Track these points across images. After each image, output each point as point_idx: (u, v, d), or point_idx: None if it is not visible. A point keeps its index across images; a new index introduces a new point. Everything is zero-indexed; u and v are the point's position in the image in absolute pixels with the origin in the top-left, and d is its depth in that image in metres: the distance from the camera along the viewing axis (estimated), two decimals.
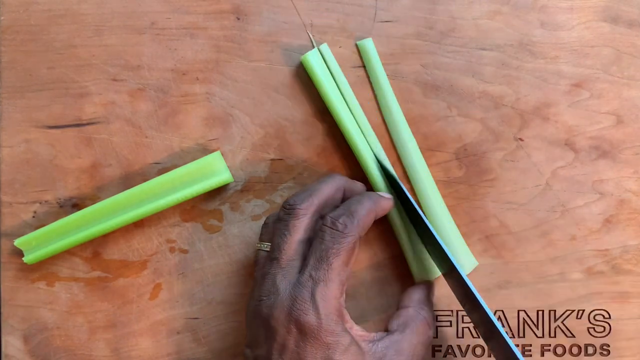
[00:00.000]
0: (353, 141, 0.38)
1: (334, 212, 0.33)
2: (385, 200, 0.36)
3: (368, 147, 0.38)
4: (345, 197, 0.36)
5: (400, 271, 0.39)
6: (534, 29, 0.40)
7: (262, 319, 0.32)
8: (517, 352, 0.32)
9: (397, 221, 0.38)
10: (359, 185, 0.37)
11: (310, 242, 0.33)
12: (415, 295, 0.36)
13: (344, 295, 0.33)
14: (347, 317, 0.33)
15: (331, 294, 0.32)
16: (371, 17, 0.40)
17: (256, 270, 0.34)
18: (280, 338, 0.31)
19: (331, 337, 0.31)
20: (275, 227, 0.34)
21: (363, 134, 0.38)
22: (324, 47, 0.39)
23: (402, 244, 0.38)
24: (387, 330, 0.34)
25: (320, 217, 0.34)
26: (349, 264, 0.33)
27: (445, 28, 0.40)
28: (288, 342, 0.31)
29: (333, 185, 0.35)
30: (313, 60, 0.38)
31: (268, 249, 0.34)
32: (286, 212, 0.34)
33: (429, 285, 0.37)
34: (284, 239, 0.33)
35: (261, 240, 0.35)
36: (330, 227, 0.33)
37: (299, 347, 0.31)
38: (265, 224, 0.36)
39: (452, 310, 0.39)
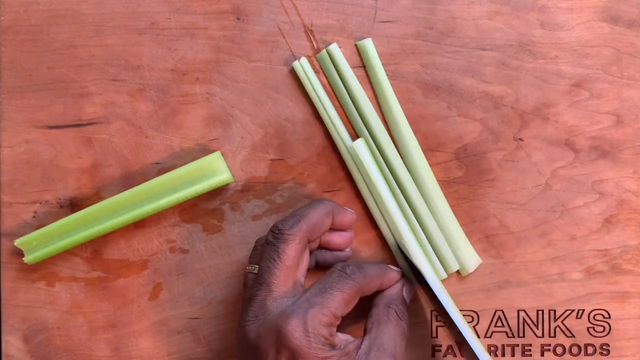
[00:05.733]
0: (342, 152, 0.39)
1: (345, 263, 0.35)
2: (393, 272, 0.37)
3: (350, 159, 0.39)
4: (334, 223, 0.36)
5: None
6: (533, 29, 0.40)
7: (250, 340, 0.32)
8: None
9: (384, 225, 0.39)
10: (348, 213, 0.37)
11: (297, 266, 0.34)
12: (386, 295, 0.36)
13: (332, 330, 0.33)
14: (334, 334, 0.33)
15: (322, 319, 0.32)
16: (371, 17, 0.40)
17: (245, 293, 0.35)
18: (267, 357, 0.32)
19: (320, 352, 0.31)
20: (264, 250, 0.34)
21: (371, 135, 0.39)
22: (334, 46, 0.39)
23: (391, 246, 0.39)
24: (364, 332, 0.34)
25: (308, 242, 0.35)
26: (347, 307, 0.33)
27: (445, 28, 0.40)
28: (278, 357, 0.31)
29: (322, 210, 0.35)
30: (300, 69, 0.39)
31: (256, 272, 0.34)
32: (275, 236, 0.34)
33: (400, 286, 0.37)
34: (274, 263, 0.33)
35: (250, 262, 0.36)
36: (340, 270, 0.34)
37: None
38: (254, 247, 0.36)
39: None
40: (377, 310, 0.35)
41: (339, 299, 0.33)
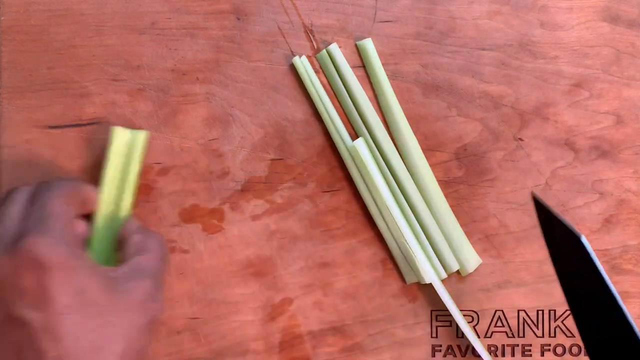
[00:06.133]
0: (342, 151, 0.39)
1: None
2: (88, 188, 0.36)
3: (353, 163, 0.39)
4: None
5: (399, 272, 0.39)
6: (533, 29, 0.40)
7: None
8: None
9: (383, 225, 0.39)
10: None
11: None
12: (130, 226, 0.36)
13: (77, 229, 0.33)
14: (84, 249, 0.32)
15: (60, 225, 0.31)
16: (371, 17, 0.40)
17: None
18: (15, 282, 0.29)
19: (68, 262, 0.30)
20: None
21: (371, 135, 0.39)
22: (334, 46, 0.39)
23: (390, 246, 0.39)
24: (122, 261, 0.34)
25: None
26: (69, 206, 0.33)
27: (445, 28, 0.40)
28: (25, 283, 0.29)
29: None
30: (300, 65, 0.39)
31: None
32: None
33: (135, 219, 0.37)
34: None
35: None
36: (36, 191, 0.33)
37: (41, 284, 0.29)
38: None
39: None
40: (130, 241, 0.34)
41: (57, 201, 0.32)
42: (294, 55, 0.40)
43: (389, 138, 0.39)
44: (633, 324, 0.29)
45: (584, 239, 0.30)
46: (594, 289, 0.30)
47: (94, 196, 0.36)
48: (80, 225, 0.35)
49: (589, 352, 0.31)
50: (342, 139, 0.39)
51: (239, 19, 0.40)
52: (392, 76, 0.40)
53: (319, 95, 0.39)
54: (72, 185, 0.34)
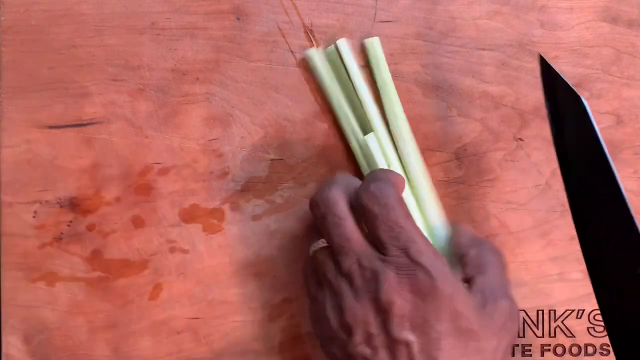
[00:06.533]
0: (353, 145, 0.38)
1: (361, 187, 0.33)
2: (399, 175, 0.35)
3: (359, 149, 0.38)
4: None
5: None
6: (533, 29, 0.40)
7: (381, 302, 0.31)
8: None
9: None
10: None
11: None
12: (462, 240, 0.35)
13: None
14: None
15: (426, 249, 0.31)
16: (371, 17, 0.40)
17: (327, 273, 0.33)
18: (396, 309, 0.30)
19: (445, 286, 0.30)
20: (322, 225, 0.33)
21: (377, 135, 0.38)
22: (342, 42, 0.39)
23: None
24: (466, 281, 0.33)
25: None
26: (410, 216, 0.32)
27: (445, 28, 0.40)
28: (405, 310, 0.30)
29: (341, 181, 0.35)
30: (314, 58, 0.38)
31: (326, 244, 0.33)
32: (323, 206, 0.33)
33: (468, 227, 0.37)
34: (340, 227, 0.32)
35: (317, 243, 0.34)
36: (368, 199, 0.32)
37: (418, 309, 0.30)
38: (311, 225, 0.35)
39: None
40: (466, 258, 0.34)
41: (405, 222, 0.32)
42: (294, 55, 0.40)
43: (391, 138, 0.39)
44: (621, 186, 0.32)
45: (584, 100, 0.32)
46: (589, 150, 0.33)
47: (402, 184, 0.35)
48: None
49: (575, 216, 0.33)
50: (354, 132, 0.38)
51: (239, 19, 0.40)
52: (392, 76, 0.40)
53: (333, 88, 0.38)
54: (395, 191, 0.33)
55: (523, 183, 0.40)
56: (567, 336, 0.39)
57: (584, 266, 0.39)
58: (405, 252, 0.31)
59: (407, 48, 0.40)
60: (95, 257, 0.39)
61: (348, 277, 0.32)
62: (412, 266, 0.31)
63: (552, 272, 0.40)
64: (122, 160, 0.39)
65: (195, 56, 0.40)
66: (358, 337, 0.31)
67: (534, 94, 0.40)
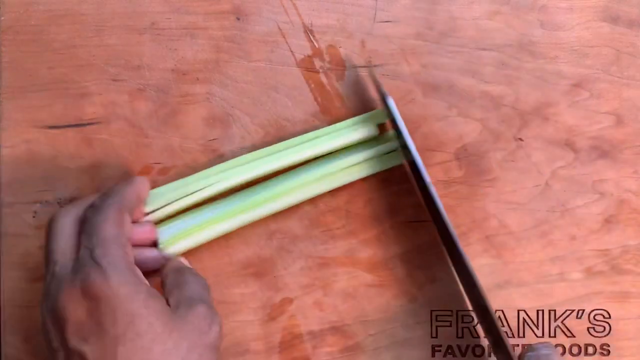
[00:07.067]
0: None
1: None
2: (141, 179, 0.35)
3: None
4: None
5: (399, 272, 0.39)
6: (533, 29, 0.40)
7: (51, 312, 0.30)
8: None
9: None
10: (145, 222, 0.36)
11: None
12: (168, 267, 0.35)
13: (132, 256, 0.32)
14: (141, 276, 0.32)
15: (113, 252, 0.30)
16: (371, 17, 0.40)
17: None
18: (70, 317, 0.29)
19: (127, 287, 0.30)
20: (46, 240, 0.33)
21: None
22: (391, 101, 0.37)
23: None
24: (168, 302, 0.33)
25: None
26: (121, 226, 0.32)
27: (445, 28, 0.40)
28: (80, 316, 0.29)
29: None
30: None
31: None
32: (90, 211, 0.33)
33: (178, 259, 0.36)
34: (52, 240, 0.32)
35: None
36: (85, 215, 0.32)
37: (94, 316, 0.29)
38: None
39: (451, 310, 0.39)
40: (166, 280, 0.34)
41: (111, 231, 0.31)
42: (294, 55, 0.40)
43: None
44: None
45: (390, 100, 0.37)
46: (404, 145, 0.37)
47: (145, 190, 0.35)
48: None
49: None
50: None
51: (239, 19, 0.40)
52: (392, 76, 0.40)
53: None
54: (120, 200, 0.33)
55: (523, 183, 0.40)
56: (567, 336, 0.39)
57: (584, 266, 0.39)
58: (90, 252, 0.30)
59: (407, 48, 0.40)
60: None
61: (48, 282, 0.31)
62: (89, 267, 0.30)
63: (552, 272, 0.40)
64: (122, 160, 0.39)
65: (195, 56, 0.40)
66: (48, 348, 0.30)
67: (534, 94, 0.40)
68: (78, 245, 0.32)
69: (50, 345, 0.30)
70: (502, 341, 0.33)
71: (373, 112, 0.39)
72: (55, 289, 0.30)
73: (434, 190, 0.36)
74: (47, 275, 0.32)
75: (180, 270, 0.35)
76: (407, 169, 0.39)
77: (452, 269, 0.38)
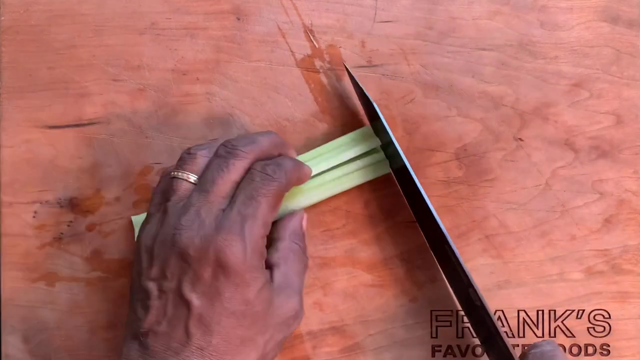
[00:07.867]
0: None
1: (264, 162, 0.34)
2: (307, 167, 0.36)
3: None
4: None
5: (399, 272, 0.39)
6: (533, 29, 0.40)
7: (179, 248, 0.31)
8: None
9: None
10: (292, 150, 0.37)
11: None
12: (289, 227, 0.36)
13: (266, 240, 0.33)
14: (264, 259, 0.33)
15: (257, 231, 0.32)
16: (371, 17, 0.40)
17: (172, 199, 0.33)
18: (196, 268, 0.31)
19: (250, 274, 0.31)
20: (211, 161, 0.33)
21: None
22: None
23: None
24: (266, 261, 0.34)
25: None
26: (274, 210, 0.33)
27: (445, 28, 0.40)
28: (204, 274, 0.31)
29: (272, 140, 0.35)
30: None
31: (193, 180, 0.33)
32: (228, 150, 0.33)
33: (300, 217, 0.37)
34: (221, 174, 0.32)
35: (182, 169, 0.34)
36: (261, 172, 0.33)
37: (217, 281, 0.31)
38: (190, 154, 0.34)
39: (452, 310, 0.39)
40: (283, 244, 0.35)
41: (267, 205, 0.32)
42: (294, 55, 0.40)
43: None
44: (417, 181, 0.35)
45: (375, 105, 0.36)
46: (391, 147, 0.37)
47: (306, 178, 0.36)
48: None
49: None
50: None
51: (239, 19, 0.40)
52: (392, 76, 0.40)
53: None
54: (287, 183, 0.34)
55: (523, 183, 0.40)
56: (567, 336, 0.39)
57: (584, 266, 0.39)
58: (242, 220, 0.31)
59: (407, 48, 0.40)
60: (95, 257, 0.39)
61: (184, 210, 0.32)
62: (234, 235, 0.31)
63: (552, 272, 0.40)
64: (122, 160, 0.39)
65: (195, 56, 0.40)
66: (154, 271, 0.32)
67: (534, 94, 0.40)
68: (232, 194, 0.33)
69: (162, 269, 0.31)
70: (501, 341, 0.33)
71: (366, 127, 0.39)
72: (194, 229, 0.31)
73: (424, 194, 0.36)
74: (195, 199, 0.32)
75: (296, 239, 0.36)
76: (392, 175, 0.39)
77: (443, 274, 0.38)
